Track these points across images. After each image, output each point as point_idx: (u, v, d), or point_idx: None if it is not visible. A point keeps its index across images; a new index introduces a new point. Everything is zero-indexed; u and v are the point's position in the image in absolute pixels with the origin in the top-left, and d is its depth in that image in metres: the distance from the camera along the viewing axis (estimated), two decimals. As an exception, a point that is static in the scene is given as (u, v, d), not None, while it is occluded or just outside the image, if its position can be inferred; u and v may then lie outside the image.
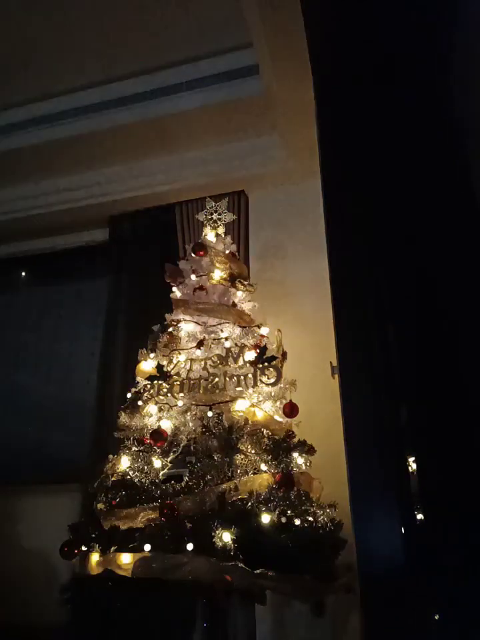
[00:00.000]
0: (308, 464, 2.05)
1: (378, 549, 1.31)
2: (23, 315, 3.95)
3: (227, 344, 2.23)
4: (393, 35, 1.80)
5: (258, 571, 1.67)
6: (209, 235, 2.66)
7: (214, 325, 2.38)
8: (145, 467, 2.00)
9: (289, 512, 1.80)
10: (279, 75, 2.58)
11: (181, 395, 2.15)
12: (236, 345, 2.25)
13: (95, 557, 1.87)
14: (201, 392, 2.13)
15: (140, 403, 2.21)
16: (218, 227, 2.68)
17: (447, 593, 1.22)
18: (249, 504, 1.81)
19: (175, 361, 2.27)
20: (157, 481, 1.96)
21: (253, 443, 1.99)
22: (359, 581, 1.34)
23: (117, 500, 1.96)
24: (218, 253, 2.56)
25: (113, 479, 2.05)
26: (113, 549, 1.84)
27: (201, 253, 2.54)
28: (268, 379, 2.13)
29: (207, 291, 2.44)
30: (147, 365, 2.36)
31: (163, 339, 2.40)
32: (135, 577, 1.74)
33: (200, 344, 2.28)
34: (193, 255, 2.57)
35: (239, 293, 2.49)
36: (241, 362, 2.18)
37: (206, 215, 2.70)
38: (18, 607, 2.81)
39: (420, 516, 1.32)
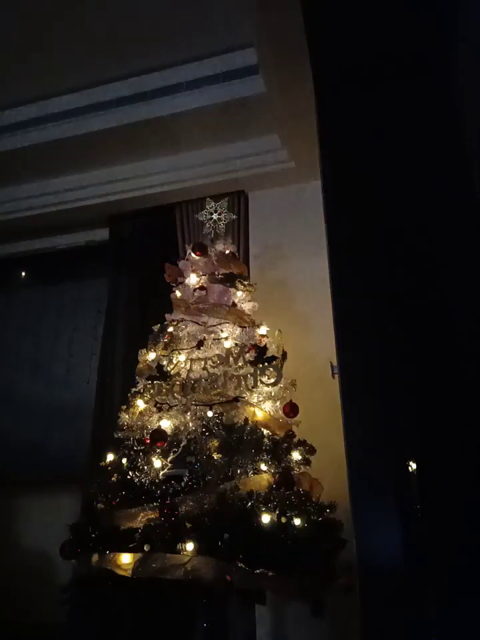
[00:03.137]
0: (308, 464, 2.05)
1: (378, 549, 1.31)
2: (23, 315, 3.96)
3: (227, 344, 2.23)
4: (393, 35, 1.80)
5: (258, 571, 1.67)
6: (209, 234, 2.66)
7: (214, 325, 2.37)
8: (145, 467, 2.00)
9: (288, 512, 1.80)
10: (278, 74, 2.58)
11: (181, 394, 2.15)
12: (236, 344, 2.25)
13: (94, 557, 1.87)
14: (201, 392, 2.13)
15: (140, 403, 2.21)
16: (218, 226, 2.68)
17: (446, 593, 1.22)
18: (249, 504, 1.81)
19: (174, 361, 2.27)
20: (157, 480, 1.96)
21: (252, 442, 1.99)
22: (358, 580, 1.34)
23: (117, 500, 1.96)
24: (218, 253, 2.56)
25: (113, 479, 2.06)
26: (112, 549, 1.84)
27: (201, 253, 2.55)
28: (268, 379, 2.13)
29: (207, 291, 2.44)
30: (147, 365, 2.36)
31: (163, 339, 2.40)
32: (135, 577, 1.74)
33: (200, 344, 2.28)
34: (192, 255, 2.57)
35: (239, 293, 2.48)
36: (241, 362, 2.18)
37: (206, 214, 2.70)
38: (18, 607, 2.81)
39: (420, 516, 1.32)
